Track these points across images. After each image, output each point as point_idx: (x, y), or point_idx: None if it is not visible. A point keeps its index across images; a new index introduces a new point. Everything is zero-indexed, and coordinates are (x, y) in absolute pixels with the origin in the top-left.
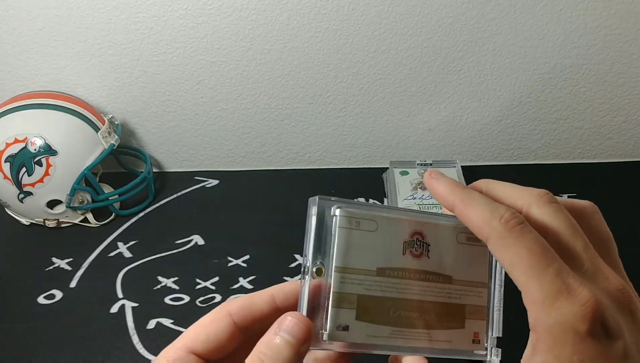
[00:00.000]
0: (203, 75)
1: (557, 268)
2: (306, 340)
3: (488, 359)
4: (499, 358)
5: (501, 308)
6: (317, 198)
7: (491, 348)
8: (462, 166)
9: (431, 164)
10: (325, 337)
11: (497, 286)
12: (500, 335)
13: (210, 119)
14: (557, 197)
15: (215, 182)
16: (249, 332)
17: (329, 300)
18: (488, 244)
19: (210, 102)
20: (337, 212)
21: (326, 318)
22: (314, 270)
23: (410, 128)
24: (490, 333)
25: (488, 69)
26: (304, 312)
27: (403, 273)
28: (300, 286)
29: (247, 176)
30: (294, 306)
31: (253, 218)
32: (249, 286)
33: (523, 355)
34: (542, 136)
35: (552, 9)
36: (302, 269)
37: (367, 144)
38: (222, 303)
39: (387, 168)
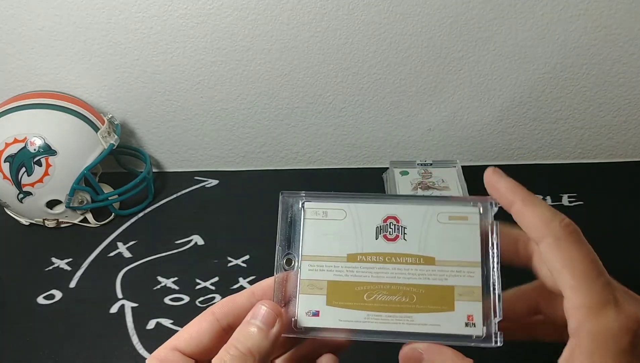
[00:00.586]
0: (203, 75)
1: (607, 280)
2: (274, 324)
3: (492, 345)
4: (501, 344)
5: (500, 290)
6: (281, 193)
7: (495, 332)
8: (462, 166)
9: (431, 164)
10: (296, 323)
11: (495, 267)
12: (502, 318)
13: (210, 119)
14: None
15: (215, 182)
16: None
17: (298, 287)
18: (541, 243)
19: (210, 102)
20: (304, 205)
21: (297, 305)
22: (284, 260)
23: (410, 128)
24: (492, 317)
25: (488, 69)
26: (274, 300)
27: (377, 257)
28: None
29: (247, 176)
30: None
31: (253, 218)
32: (249, 287)
33: (559, 361)
34: (542, 136)
35: (552, 9)
36: (275, 261)
37: (367, 144)
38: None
39: (387, 168)
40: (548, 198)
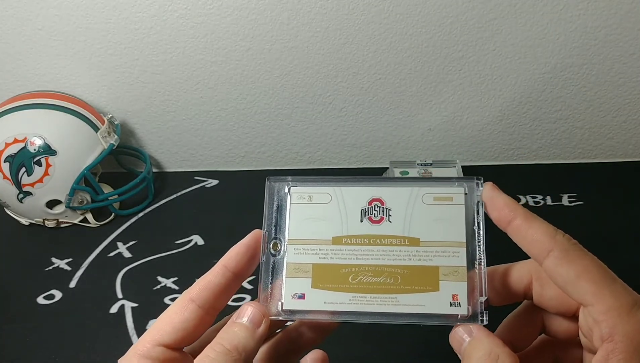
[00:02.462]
0: (203, 75)
1: (623, 283)
2: (261, 324)
3: (477, 324)
4: (487, 323)
5: (485, 269)
6: (267, 178)
7: (481, 311)
8: (462, 166)
9: (431, 164)
10: (282, 307)
11: (480, 246)
12: (487, 297)
13: (210, 119)
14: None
15: (215, 182)
16: (217, 310)
17: (284, 271)
18: (548, 258)
19: (210, 102)
20: (290, 190)
21: (282, 288)
22: (270, 245)
23: (410, 128)
24: (477, 296)
25: (488, 69)
26: (262, 284)
27: (361, 239)
28: (244, 243)
29: (247, 176)
30: (246, 267)
31: (253, 218)
32: (249, 287)
33: None
34: (542, 136)
35: (552, 9)
36: (262, 246)
37: (367, 144)
38: (183, 292)
39: (387, 168)
40: (548, 197)
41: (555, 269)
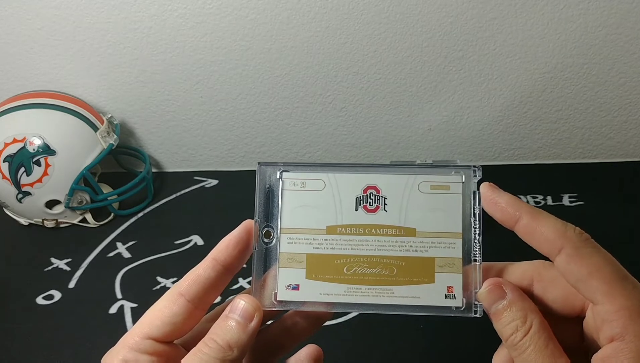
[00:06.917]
0: (202, 75)
1: (635, 281)
2: (253, 318)
3: (472, 315)
4: (481, 315)
5: (481, 260)
6: (258, 163)
7: (475, 303)
8: None
9: (431, 164)
10: (276, 297)
11: (476, 237)
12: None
13: (210, 119)
14: None
15: (214, 182)
16: (208, 304)
17: (277, 261)
18: (559, 256)
19: (210, 102)
20: (282, 176)
21: (276, 279)
22: (263, 233)
23: (410, 128)
24: (472, 288)
25: (488, 69)
26: (255, 274)
27: (356, 229)
28: (234, 235)
29: (247, 176)
30: (237, 260)
31: (253, 218)
32: (248, 286)
33: (594, 358)
34: (542, 136)
35: (552, 9)
36: (254, 234)
37: (367, 144)
38: (173, 286)
39: None
40: (548, 197)
41: (567, 267)
